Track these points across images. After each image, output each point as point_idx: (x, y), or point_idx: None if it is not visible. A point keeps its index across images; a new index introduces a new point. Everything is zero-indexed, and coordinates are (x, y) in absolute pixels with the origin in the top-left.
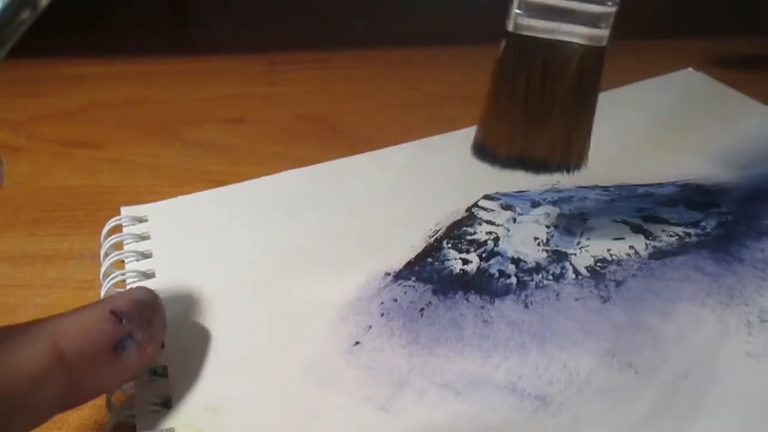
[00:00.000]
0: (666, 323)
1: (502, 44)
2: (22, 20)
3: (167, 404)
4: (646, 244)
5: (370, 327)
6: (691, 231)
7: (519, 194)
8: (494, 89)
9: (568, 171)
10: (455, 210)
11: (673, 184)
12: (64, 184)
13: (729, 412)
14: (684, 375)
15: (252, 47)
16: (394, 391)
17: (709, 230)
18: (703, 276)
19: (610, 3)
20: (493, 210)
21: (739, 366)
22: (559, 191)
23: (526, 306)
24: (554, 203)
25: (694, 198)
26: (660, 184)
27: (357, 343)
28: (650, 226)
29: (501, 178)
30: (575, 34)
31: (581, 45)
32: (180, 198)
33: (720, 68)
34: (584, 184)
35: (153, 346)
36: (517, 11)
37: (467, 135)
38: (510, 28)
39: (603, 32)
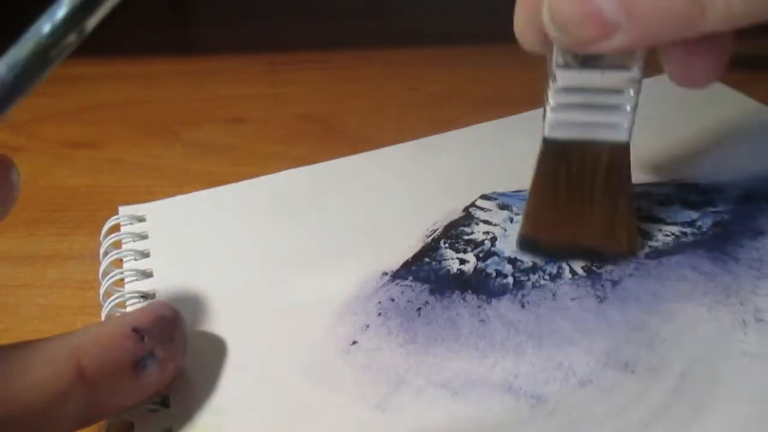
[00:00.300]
0: (662, 323)
1: (540, 148)
2: (68, 44)
3: (165, 403)
4: (642, 244)
5: (368, 326)
6: (687, 230)
7: (516, 194)
8: (536, 186)
9: (622, 257)
10: (452, 210)
11: (669, 183)
12: (64, 184)
13: (726, 412)
14: (680, 375)
15: (252, 47)
16: (391, 390)
17: (705, 229)
18: (699, 275)
19: (628, 108)
20: (490, 210)
21: (735, 365)
22: None
23: (523, 306)
24: None
25: (691, 197)
26: (656, 184)
27: (354, 342)
28: (646, 226)
29: (498, 178)
30: (601, 134)
31: (608, 142)
32: (178, 197)
33: None
34: None
35: (174, 363)
36: (551, 121)
37: (464, 135)
38: (546, 134)
39: (624, 134)
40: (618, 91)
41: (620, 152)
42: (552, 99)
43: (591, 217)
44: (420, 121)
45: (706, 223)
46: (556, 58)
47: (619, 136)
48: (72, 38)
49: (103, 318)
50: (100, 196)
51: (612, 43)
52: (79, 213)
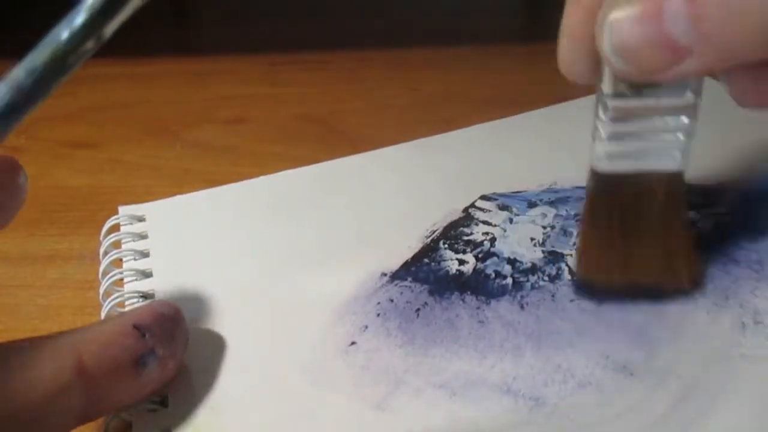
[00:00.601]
0: (661, 325)
1: (591, 183)
2: (86, 50)
3: (164, 403)
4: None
5: (366, 327)
6: None
7: (516, 194)
8: (588, 224)
9: (684, 292)
10: (452, 210)
11: None
12: (65, 185)
13: (725, 414)
14: (679, 377)
15: (252, 47)
16: (390, 391)
17: (704, 231)
18: None
19: (682, 136)
20: (489, 210)
21: (733, 368)
22: (556, 192)
23: (522, 307)
24: (551, 204)
25: (691, 198)
26: None
27: (353, 343)
28: None
29: (497, 179)
30: (656, 164)
31: (663, 172)
32: (178, 197)
33: None
34: (581, 185)
35: (174, 362)
36: (603, 153)
37: (464, 135)
38: (598, 169)
39: (679, 163)
40: (673, 118)
41: (675, 182)
42: (603, 130)
43: (648, 253)
44: (420, 121)
45: (705, 224)
46: (608, 86)
47: (674, 165)
48: (90, 44)
49: (102, 318)
50: (100, 197)
51: (682, 68)
52: (80, 213)
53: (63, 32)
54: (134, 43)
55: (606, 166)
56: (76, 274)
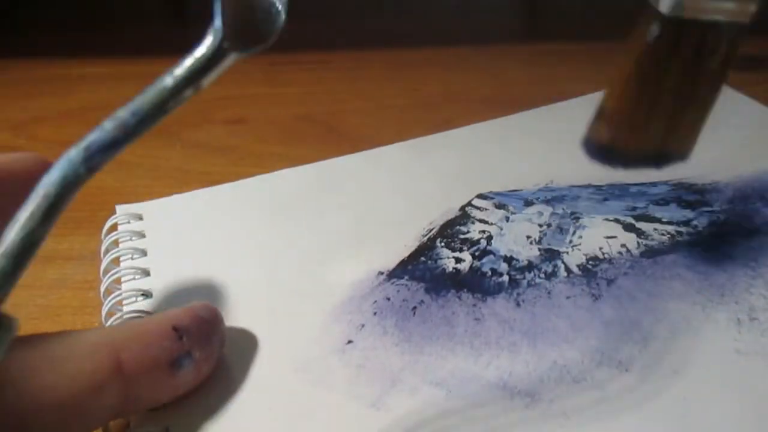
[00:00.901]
0: (657, 321)
1: (652, 29)
2: (184, 97)
3: None
4: (638, 243)
5: (363, 326)
6: (683, 229)
7: (512, 193)
8: (637, 79)
9: (682, 160)
10: (449, 209)
11: (665, 183)
12: None
13: (719, 409)
14: (674, 372)
15: None
16: (386, 389)
17: (700, 229)
18: (694, 274)
19: None
20: (486, 209)
21: (728, 363)
22: (552, 190)
23: (518, 304)
24: (547, 202)
25: (686, 197)
26: (653, 183)
27: (350, 341)
28: (642, 225)
29: (494, 178)
30: (725, 10)
31: (730, 22)
32: (175, 196)
33: None
34: (577, 183)
35: (209, 364)
36: None
37: (462, 134)
38: (665, 10)
39: (749, 16)
40: None
41: (739, 37)
42: None
43: (687, 115)
44: (420, 121)
45: (701, 222)
46: None
47: (743, 14)
48: (189, 93)
49: (103, 315)
50: (100, 197)
51: None
52: (79, 213)
53: (168, 80)
54: (134, 42)
55: (676, 11)
56: (76, 274)
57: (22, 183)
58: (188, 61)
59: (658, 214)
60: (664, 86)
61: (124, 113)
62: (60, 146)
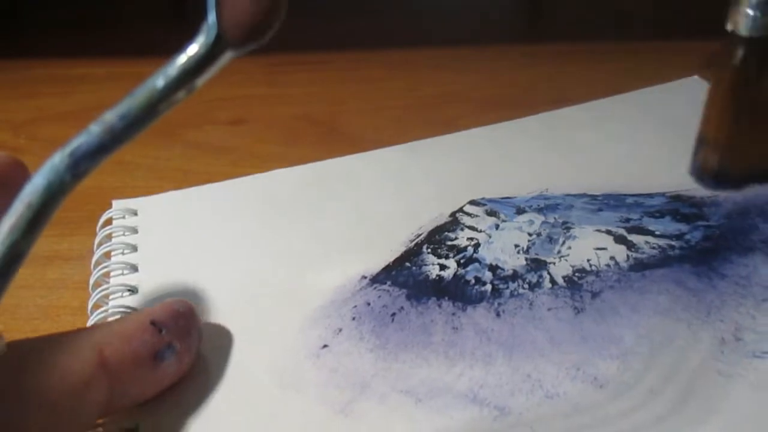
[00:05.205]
0: (638, 337)
1: (736, 53)
2: (176, 99)
3: None
4: (628, 256)
5: (341, 330)
6: (675, 243)
7: (505, 200)
8: (732, 104)
9: None
10: (440, 214)
11: (663, 195)
12: None
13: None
14: (650, 391)
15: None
16: (355, 396)
17: (693, 243)
18: (683, 290)
19: None
20: (477, 216)
21: (708, 384)
22: (546, 198)
23: (498, 314)
24: (539, 211)
25: (683, 210)
26: (650, 195)
27: (325, 346)
28: (634, 237)
29: (489, 184)
30: None
31: None
32: (171, 193)
33: None
34: (573, 192)
35: (190, 356)
36: (751, 11)
37: (460, 139)
38: (746, 32)
39: None
40: None
41: None
42: None
43: None
44: (420, 122)
45: (695, 236)
46: None
47: None
48: (181, 95)
49: (89, 308)
50: (100, 197)
51: None
52: (79, 214)
53: (159, 81)
54: (134, 43)
55: (755, 30)
56: (75, 275)
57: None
58: (181, 60)
59: (651, 227)
60: (759, 104)
61: (111, 116)
62: (60, 146)
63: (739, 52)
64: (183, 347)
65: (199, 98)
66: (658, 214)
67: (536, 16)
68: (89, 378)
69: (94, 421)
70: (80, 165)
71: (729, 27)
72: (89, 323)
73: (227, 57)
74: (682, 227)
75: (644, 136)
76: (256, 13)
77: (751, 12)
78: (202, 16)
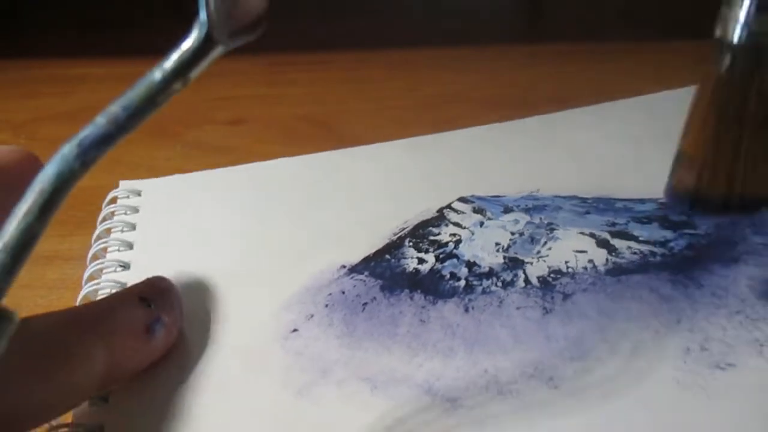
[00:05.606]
0: (601, 341)
1: (723, 61)
2: (173, 91)
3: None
4: (607, 260)
5: (312, 316)
6: (657, 250)
7: (494, 199)
8: (715, 118)
9: None
10: (427, 209)
11: (654, 201)
12: None
13: None
14: (603, 397)
15: (252, 47)
16: (315, 379)
17: (676, 251)
18: (656, 297)
19: None
20: (463, 212)
21: (662, 393)
22: (535, 199)
23: (467, 310)
24: (527, 211)
25: (672, 217)
26: (641, 200)
27: (295, 330)
28: (616, 242)
29: (481, 182)
30: None
31: None
32: (175, 176)
33: None
34: (563, 194)
35: (176, 328)
36: (743, 20)
37: (456, 136)
38: (736, 40)
39: None
40: None
41: None
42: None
43: None
44: (419, 122)
45: (679, 244)
46: None
47: None
48: (178, 86)
49: (84, 279)
50: (100, 198)
51: None
52: (79, 214)
53: (156, 74)
54: (134, 43)
55: (746, 38)
56: (75, 275)
57: (15, 175)
58: (175, 55)
59: (636, 232)
60: (744, 121)
61: (115, 108)
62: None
63: (726, 61)
64: (170, 320)
65: (199, 98)
66: (646, 219)
67: (536, 16)
68: (88, 351)
69: (92, 394)
70: (88, 154)
71: (717, 33)
72: (81, 294)
73: (219, 51)
74: (668, 234)
75: (644, 142)
76: (241, 13)
77: (743, 17)
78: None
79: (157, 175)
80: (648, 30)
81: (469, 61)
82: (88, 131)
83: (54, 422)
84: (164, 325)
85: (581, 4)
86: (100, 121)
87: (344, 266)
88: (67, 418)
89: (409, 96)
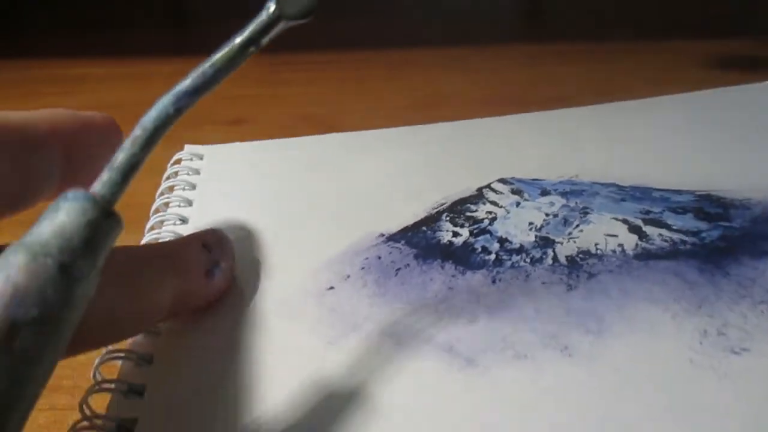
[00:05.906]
0: (620, 319)
1: None
2: (249, 53)
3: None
4: (636, 245)
5: (348, 276)
6: (689, 239)
7: (534, 182)
8: None
9: None
10: (466, 188)
11: (692, 192)
12: None
13: (643, 409)
14: (616, 369)
15: None
16: (345, 332)
17: (707, 242)
18: (681, 282)
19: None
20: (501, 193)
21: (675, 370)
22: (573, 184)
23: (494, 281)
24: (563, 194)
25: (707, 209)
26: (678, 191)
27: (331, 287)
28: (649, 229)
29: (522, 166)
30: None
31: None
32: (236, 144)
33: (720, 68)
34: (602, 181)
35: (231, 274)
36: None
37: (499, 122)
38: None
39: None
40: None
41: None
42: None
43: None
44: (420, 122)
45: (711, 235)
46: None
47: None
48: (252, 49)
49: (147, 228)
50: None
51: None
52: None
53: (236, 39)
54: (134, 43)
55: None
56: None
57: (109, 134)
58: (251, 26)
59: (670, 221)
60: None
61: (204, 66)
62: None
63: None
64: (226, 267)
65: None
66: (681, 210)
67: (536, 16)
68: (164, 280)
69: (159, 321)
70: (180, 101)
71: None
72: (144, 240)
73: (281, 26)
74: (702, 225)
75: (697, 135)
76: (300, 1)
77: None
78: (201, 17)
79: (159, 176)
80: (648, 30)
81: (469, 61)
82: (182, 84)
83: (111, 347)
84: (222, 270)
85: (581, 4)
86: (191, 76)
87: (383, 234)
88: (122, 345)
89: (409, 96)
